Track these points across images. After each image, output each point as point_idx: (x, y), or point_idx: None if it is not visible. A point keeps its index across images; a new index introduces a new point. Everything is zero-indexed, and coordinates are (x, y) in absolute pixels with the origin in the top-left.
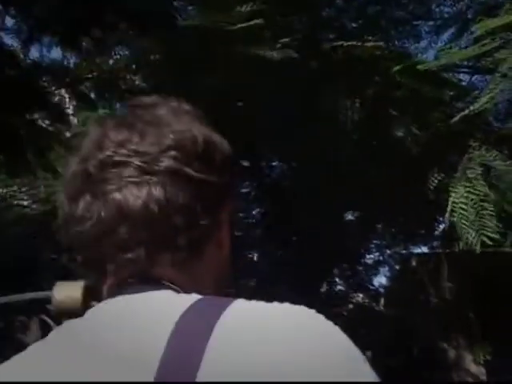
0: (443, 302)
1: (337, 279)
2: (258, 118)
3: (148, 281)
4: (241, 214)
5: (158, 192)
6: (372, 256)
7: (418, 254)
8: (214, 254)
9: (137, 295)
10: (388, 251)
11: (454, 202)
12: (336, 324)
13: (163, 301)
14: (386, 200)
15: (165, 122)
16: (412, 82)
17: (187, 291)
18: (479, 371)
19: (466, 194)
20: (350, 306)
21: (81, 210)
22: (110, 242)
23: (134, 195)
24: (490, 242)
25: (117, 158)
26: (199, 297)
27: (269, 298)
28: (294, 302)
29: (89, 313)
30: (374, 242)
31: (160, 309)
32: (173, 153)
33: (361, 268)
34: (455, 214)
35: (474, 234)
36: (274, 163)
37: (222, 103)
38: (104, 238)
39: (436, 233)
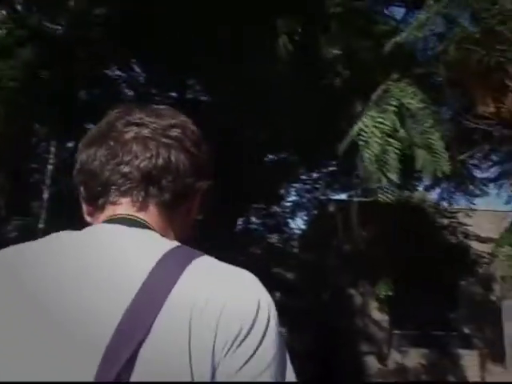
0: (355, 249)
1: (253, 219)
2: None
3: (134, 221)
4: None
5: (164, 151)
6: (291, 199)
7: (336, 201)
8: (184, 215)
9: (129, 229)
10: (307, 195)
11: (361, 129)
12: (250, 262)
13: (151, 238)
14: (308, 145)
15: (171, 114)
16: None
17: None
18: (383, 318)
19: (374, 125)
20: (265, 246)
21: (103, 150)
22: (114, 171)
23: (145, 147)
24: (387, 181)
25: (139, 121)
26: (178, 244)
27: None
28: (211, 238)
29: (85, 230)
30: (294, 185)
31: (147, 244)
32: (179, 129)
33: (279, 210)
34: (361, 144)
35: (375, 169)
36: (202, 98)
37: None
38: (109, 166)
39: (355, 181)
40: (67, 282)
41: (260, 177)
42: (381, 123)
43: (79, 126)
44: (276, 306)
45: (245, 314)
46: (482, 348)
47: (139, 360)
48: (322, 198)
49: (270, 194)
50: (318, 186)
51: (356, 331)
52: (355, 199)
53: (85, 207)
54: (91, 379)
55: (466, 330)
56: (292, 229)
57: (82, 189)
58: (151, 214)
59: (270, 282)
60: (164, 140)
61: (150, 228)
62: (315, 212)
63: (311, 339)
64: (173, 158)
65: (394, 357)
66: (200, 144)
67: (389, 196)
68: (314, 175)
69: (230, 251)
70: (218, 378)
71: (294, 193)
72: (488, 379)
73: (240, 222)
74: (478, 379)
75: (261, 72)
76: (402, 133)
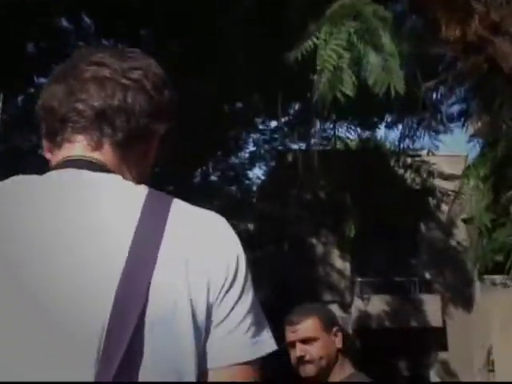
0: (315, 198)
1: (211, 170)
2: None
3: (93, 163)
4: None
5: (120, 91)
6: (249, 150)
7: (295, 150)
8: (140, 157)
9: (93, 174)
10: (266, 146)
11: (314, 44)
12: None
13: (122, 186)
14: (266, 88)
15: (135, 57)
16: None
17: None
18: (345, 267)
19: (326, 39)
20: (224, 197)
21: (63, 87)
22: (70, 108)
23: (102, 87)
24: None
25: (101, 61)
26: (146, 188)
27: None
28: (169, 190)
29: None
30: (252, 135)
31: (123, 193)
32: (140, 71)
33: (237, 161)
34: (319, 61)
35: (327, 85)
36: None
37: None
38: (66, 103)
39: (312, 131)
40: (49, 246)
41: (218, 127)
42: (336, 38)
43: (28, 79)
44: None
45: (229, 267)
46: (443, 292)
47: (147, 327)
48: (281, 148)
49: (228, 145)
50: (276, 136)
51: (318, 280)
52: (314, 148)
53: (45, 143)
54: (93, 366)
55: (428, 276)
56: (251, 179)
57: (42, 125)
58: (106, 154)
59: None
60: (123, 81)
61: (110, 171)
62: (274, 163)
63: (271, 291)
64: (129, 99)
65: (357, 304)
66: (162, 87)
67: (348, 142)
68: (272, 125)
69: (189, 202)
70: (210, 328)
71: (252, 143)
72: (449, 323)
73: (198, 173)
74: (440, 324)
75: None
76: (357, 49)
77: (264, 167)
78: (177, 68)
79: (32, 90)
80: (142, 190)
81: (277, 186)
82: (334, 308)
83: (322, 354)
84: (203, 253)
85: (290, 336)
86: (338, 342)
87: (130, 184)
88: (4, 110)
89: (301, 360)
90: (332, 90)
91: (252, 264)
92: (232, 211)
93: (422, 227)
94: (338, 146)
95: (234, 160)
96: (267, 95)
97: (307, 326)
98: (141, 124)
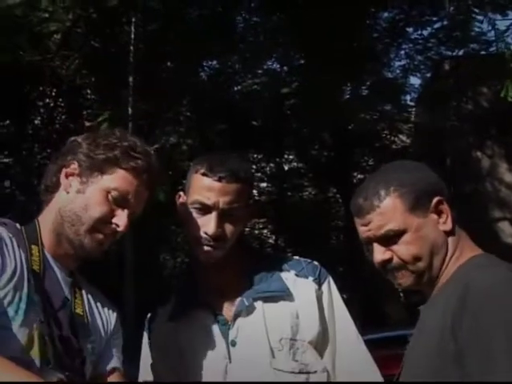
0: (479, 108)
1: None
2: None
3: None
4: None
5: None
6: (401, 62)
7: (451, 57)
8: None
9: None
10: (419, 57)
11: None
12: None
13: None
14: None
15: None
16: None
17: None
18: None
19: None
20: (377, 113)
21: None
22: None
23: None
24: None
25: None
26: None
27: None
28: None
29: None
30: (404, 47)
31: None
32: None
33: (389, 74)
34: None
35: None
36: None
37: None
38: None
39: (472, 33)
40: None
41: (363, 39)
42: None
43: None
44: None
45: None
46: None
47: None
48: (435, 57)
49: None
50: (430, 44)
51: (486, 196)
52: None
53: None
54: None
55: None
56: (406, 93)
57: None
58: None
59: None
60: None
61: None
62: (429, 73)
63: None
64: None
65: None
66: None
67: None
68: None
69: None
70: None
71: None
72: None
73: (349, 87)
74: None
75: None
76: None
77: (419, 79)
78: None
79: None
80: None
81: (434, 98)
82: (505, 225)
83: None
84: None
85: None
86: None
87: None
88: None
89: None
90: None
91: None
92: (387, 127)
93: None
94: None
95: (386, 73)
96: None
97: None
98: None
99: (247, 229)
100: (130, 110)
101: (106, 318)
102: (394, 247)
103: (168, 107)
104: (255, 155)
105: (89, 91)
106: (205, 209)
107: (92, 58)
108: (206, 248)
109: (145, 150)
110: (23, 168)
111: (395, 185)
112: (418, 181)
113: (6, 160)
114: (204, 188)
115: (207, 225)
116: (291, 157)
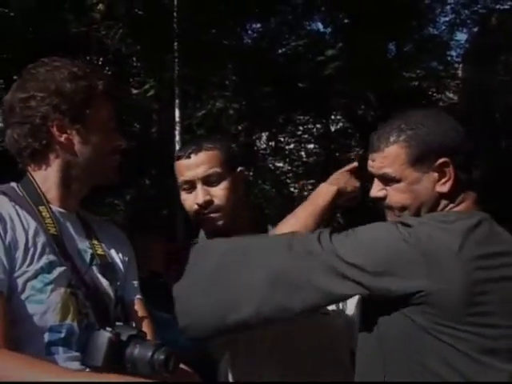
0: None
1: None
2: None
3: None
4: None
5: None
6: (447, 18)
7: (499, 11)
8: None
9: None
10: (466, 11)
11: None
12: None
13: None
14: None
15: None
16: None
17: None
18: None
19: None
20: (423, 71)
21: None
22: None
23: None
24: None
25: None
26: None
27: None
28: None
29: None
30: (450, 1)
31: None
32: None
33: (434, 31)
34: None
35: None
36: None
37: None
38: None
39: None
40: None
41: None
42: None
43: None
44: None
45: None
46: None
47: None
48: (482, 11)
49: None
50: None
51: None
52: None
53: None
54: None
55: None
56: (452, 48)
57: None
58: None
59: None
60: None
61: None
62: (476, 28)
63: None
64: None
65: None
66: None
67: None
68: None
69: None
70: None
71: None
72: None
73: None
74: None
75: None
76: None
77: (465, 35)
78: None
79: None
80: None
81: (482, 54)
82: None
83: None
84: None
85: None
86: None
87: None
88: None
89: None
90: None
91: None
92: (433, 84)
93: None
94: None
95: (431, 30)
96: None
97: None
98: None
99: (296, 190)
100: (175, 75)
101: (120, 245)
102: (389, 189)
103: (213, 72)
104: (302, 117)
105: (134, 59)
106: (190, 186)
107: (136, 26)
108: (203, 217)
109: (83, 63)
110: None
111: (408, 135)
112: (431, 137)
113: None
114: (182, 169)
115: (196, 197)
116: (338, 117)
